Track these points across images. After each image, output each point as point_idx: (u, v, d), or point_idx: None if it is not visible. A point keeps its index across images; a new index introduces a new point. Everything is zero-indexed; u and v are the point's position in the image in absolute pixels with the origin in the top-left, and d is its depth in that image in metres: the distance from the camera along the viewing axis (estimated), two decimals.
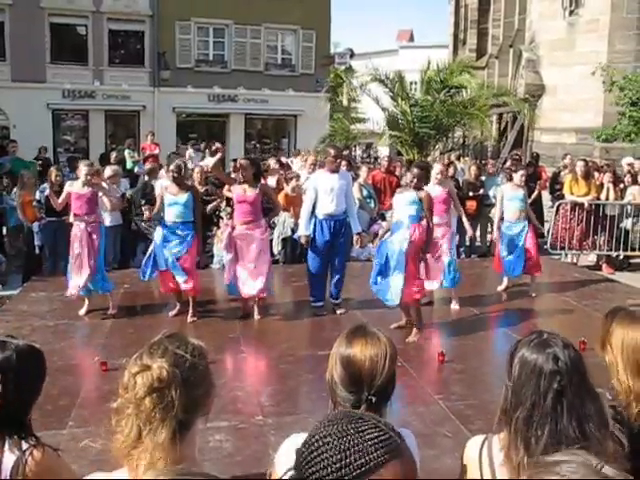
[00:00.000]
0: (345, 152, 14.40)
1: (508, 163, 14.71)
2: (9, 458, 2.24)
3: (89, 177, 8.19)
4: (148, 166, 12.72)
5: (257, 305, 8.18)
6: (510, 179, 10.12)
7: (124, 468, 1.91)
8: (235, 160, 13.91)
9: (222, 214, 10.85)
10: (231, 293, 8.36)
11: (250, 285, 7.98)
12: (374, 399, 2.17)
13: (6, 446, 2.26)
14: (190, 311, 8.06)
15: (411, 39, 58.57)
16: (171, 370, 1.88)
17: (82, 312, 8.23)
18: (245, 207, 7.95)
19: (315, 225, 8.29)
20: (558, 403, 1.97)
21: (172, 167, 8.06)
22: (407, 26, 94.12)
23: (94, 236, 8.15)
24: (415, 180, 7.36)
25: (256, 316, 8.12)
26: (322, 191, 8.25)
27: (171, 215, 7.92)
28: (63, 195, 8.30)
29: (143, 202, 10.70)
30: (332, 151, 8.46)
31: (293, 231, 10.94)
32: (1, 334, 2.56)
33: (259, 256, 7.98)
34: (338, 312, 8.38)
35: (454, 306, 8.67)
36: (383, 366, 2.21)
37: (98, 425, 5.01)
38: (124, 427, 1.89)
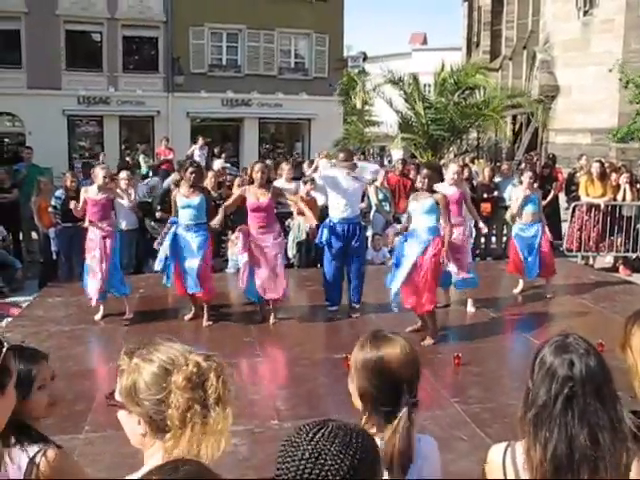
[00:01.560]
0: (358, 156, 14.37)
1: (522, 165, 14.64)
2: (22, 460, 2.26)
3: (107, 179, 8.25)
4: (175, 177, 12.67)
5: (273, 309, 8.16)
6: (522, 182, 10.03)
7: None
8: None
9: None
10: (251, 298, 8.31)
11: (271, 290, 7.96)
12: (416, 401, 2.20)
13: (18, 448, 2.28)
14: (205, 315, 8.07)
15: (424, 42, 58.42)
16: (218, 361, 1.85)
17: (98, 317, 8.26)
18: (259, 213, 7.90)
19: (329, 229, 8.20)
20: (569, 408, 1.95)
21: (191, 169, 8.04)
22: (420, 29, 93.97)
23: (108, 241, 8.20)
24: (426, 181, 7.29)
25: (272, 320, 8.10)
26: (336, 193, 8.17)
27: (185, 217, 7.92)
28: (82, 202, 8.31)
29: (159, 207, 10.75)
30: (341, 155, 8.35)
31: (308, 235, 10.94)
32: (17, 339, 2.58)
33: (275, 260, 7.93)
34: (354, 315, 8.34)
35: (470, 308, 8.62)
36: (418, 368, 2.25)
37: (114, 430, 5.02)
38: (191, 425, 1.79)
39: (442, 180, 8.12)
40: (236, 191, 9.22)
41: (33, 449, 2.29)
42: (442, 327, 7.75)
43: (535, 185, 9.48)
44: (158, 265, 8.20)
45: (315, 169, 11.83)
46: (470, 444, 4.92)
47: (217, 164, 13.37)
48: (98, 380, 6.61)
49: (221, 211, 8.08)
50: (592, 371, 1.98)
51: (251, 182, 8.12)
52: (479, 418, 5.44)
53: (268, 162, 14.70)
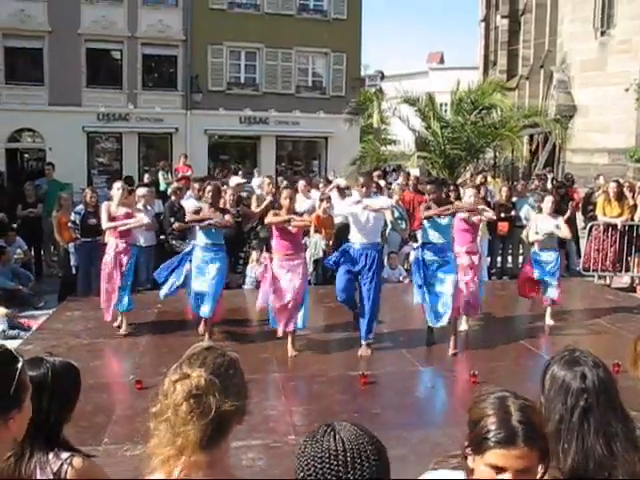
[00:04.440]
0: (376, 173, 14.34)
1: (534, 183, 14.62)
2: (51, 466, 2.32)
3: (122, 193, 8.38)
4: (175, 185, 12.86)
5: (292, 340, 7.76)
6: (540, 209, 9.84)
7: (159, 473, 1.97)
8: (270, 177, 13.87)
9: (261, 233, 10.89)
10: (272, 326, 7.98)
11: (288, 321, 7.67)
12: None
13: (46, 457, 2.35)
14: (207, 334, 7.83)
15: (441, 61, 58.64)
16: (209, 378, 1.96)
17: (122, 330, 8.39)
18: (287, 240, 7.66)
19: (344, 252, 7.79)
20: (585, 420, 1.99)
21: (209, 188, 8.11)
22: (437, 48, 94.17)
23: (124, 257, 8.31)
24: (434, 196, 7.73)
25: (290, 352, 7.68)
26: (355, 224, 7.81)
27: (204, 237, 7.96)
28: (105, 214, 8.43)
29: (172, 220, 10.87)
30: (361, 180, 7.85)
31: (325, 252, 10.99)
32: (38, 352, 2.64)
33: (298, 290, 7.61)
34: (361, 354, 7.67)
35: (464, 327, 8.64)
36: None
37: (133, 442, 5.08)
38: (161, 430, 1.96)
39: (447, 193, 8.46)
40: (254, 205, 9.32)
41: (62, 457, 2.36)
42: (459, 345, 7.78)
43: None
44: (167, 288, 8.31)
45: (332, 188, 11.89)
46: None
47: (234, 180, 13.41)
48: (117, 393, 6.68)
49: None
50: (604, 382, 2.03)
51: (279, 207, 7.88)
52: None
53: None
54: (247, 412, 2.09)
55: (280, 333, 7.89)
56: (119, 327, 8.43)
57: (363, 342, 7.73)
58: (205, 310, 7.86)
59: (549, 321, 9.04)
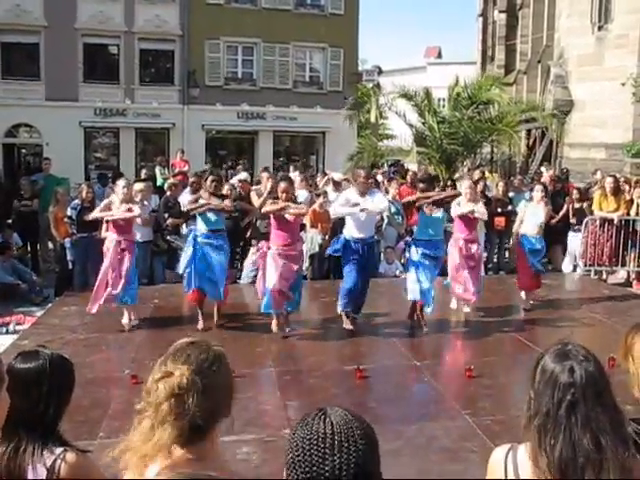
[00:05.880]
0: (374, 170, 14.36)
1: (545, 177, 14.61)
2: (45, 461, 2.32)
3: (126, 190, 8.39)
4: (171, 181, 12.86)
5: (286, 320, 8.11)
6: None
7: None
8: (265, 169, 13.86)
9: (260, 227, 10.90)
10: (266, 311, 8.11)
11: (281, 302, 7.89)
12: None
13: (41, 451, 2.35)
14: (216, 317, 8.28)
15: (439, 56, 58.55)
16: (192, 378, 1.98)
17: (125, 321, 8.44)
18: (284, 231, 7.76)
19: (344, 244, 7.98)
20: (572, 414, 2.00)
21: (212, 178, 8.18)
22: (435, 43, 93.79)
23: (126, 253, 8.31)
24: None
25: (286, 329, 8.02)
26: (352, 221, 7.94)
27: (204, 225, 8.00)
28: (102, 206, 8.52)
29: (166, 216, 10.87)
30: (362, 172, 8.05)
31: (321, 247, 10.99)
32: (33, 347, 2.65)
33: (294, 275, 7.84)
34: (346, 326, 8.04)
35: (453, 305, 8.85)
36: None
37: (129, 436, 5.08)
38: (143, 427, 2.00)
39: (444, 189, 8.49)
40: (255, 199, 9.40)
41: (55, 452, 2.36)
42: (455, 340, 7.81)
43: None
44: (182, 269, 8.39)
45: (327, 182, 11.90)
46: (480, 455, 4.93)
47: (242, 176, 13.39)
48: (113, 387, 6.68)
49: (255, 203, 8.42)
50: (592, 376, 2.03)
51: (276, 198, 7.96)
52: (489, 430, 5.46)
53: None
54: (237, 406, 2.09)
55: (274, 328, 7.96)
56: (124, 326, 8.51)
57: (359, 315, 8.26)
58: (215, 294, 8.10)
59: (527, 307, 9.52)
